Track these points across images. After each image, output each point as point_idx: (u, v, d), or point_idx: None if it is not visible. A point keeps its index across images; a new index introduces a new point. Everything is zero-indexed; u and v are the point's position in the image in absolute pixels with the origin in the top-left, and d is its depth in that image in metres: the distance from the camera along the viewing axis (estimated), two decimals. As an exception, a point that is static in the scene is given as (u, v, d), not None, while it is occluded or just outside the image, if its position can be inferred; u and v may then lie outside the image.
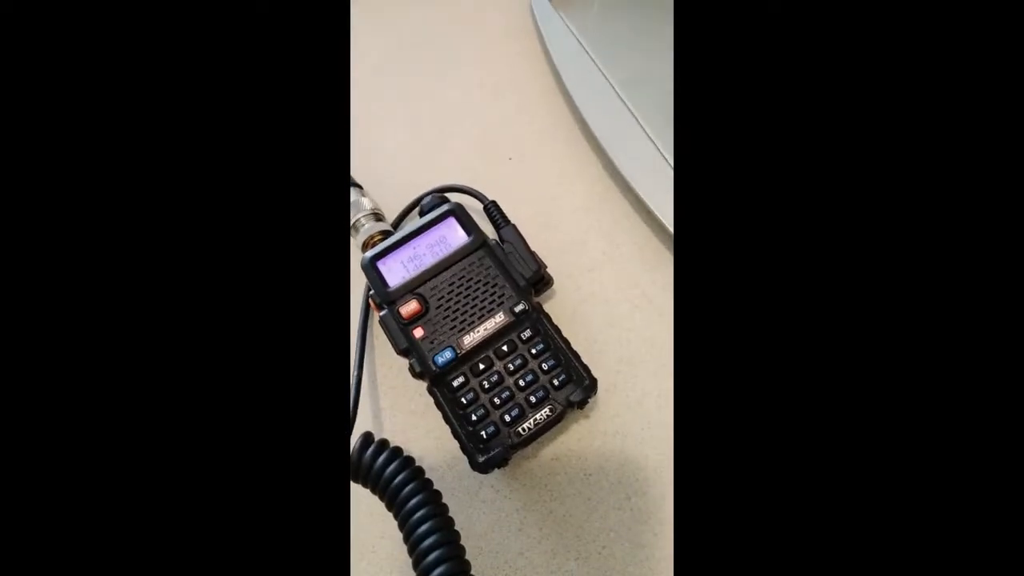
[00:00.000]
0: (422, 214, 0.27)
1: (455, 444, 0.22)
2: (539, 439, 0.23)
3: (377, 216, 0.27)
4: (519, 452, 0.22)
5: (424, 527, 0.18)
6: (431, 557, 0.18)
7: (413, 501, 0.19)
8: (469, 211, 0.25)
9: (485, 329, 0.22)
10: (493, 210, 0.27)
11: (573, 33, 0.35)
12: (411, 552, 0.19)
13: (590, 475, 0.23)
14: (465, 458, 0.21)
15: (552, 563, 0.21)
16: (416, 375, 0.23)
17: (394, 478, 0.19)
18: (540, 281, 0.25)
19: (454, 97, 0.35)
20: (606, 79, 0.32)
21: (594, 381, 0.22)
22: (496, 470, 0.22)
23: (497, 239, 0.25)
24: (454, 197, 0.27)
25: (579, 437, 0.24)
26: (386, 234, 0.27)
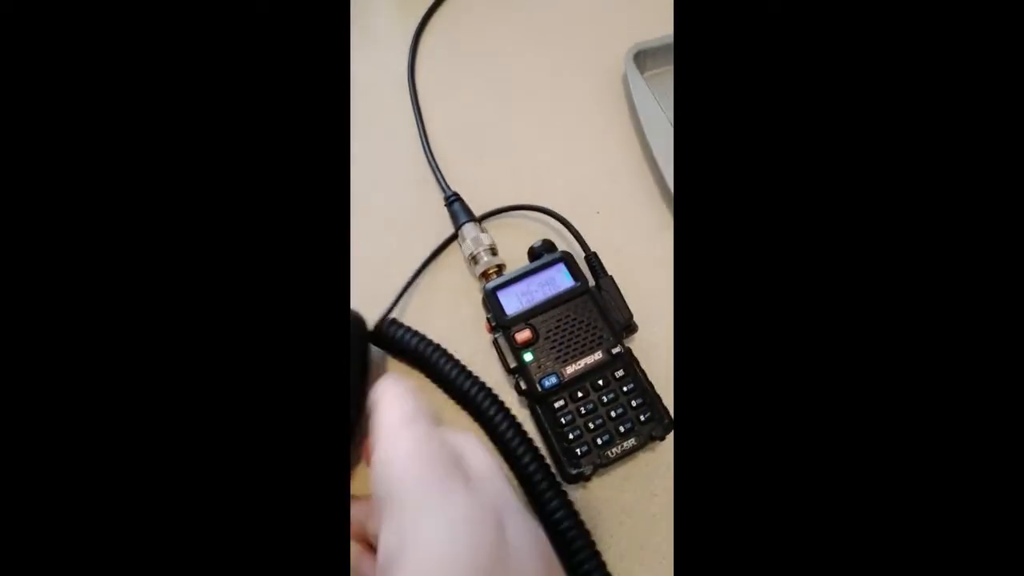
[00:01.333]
0: (532, 256, 0.31)
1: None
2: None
3: (493, 251, 0.32)
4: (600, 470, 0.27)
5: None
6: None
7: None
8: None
9: (585, 364, 0.27)
10: (594, 261, 0.31)
11: (660, 106, 0.40)
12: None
13: (656, 495, 0.27)
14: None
15: (620, 566, 0.26)
16: (520, 392, 0.27)
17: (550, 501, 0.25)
18: (627, 327, 0.29)
19: (552, 151, 0.40)
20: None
21: (672, 420, 0.26)
22: (577, 487, 0.26)
23: (595, 286, 0.30)
24: (553, 236, 0.32)
25: (647, 463, 0.28)
26: (500, 268, 0.32)
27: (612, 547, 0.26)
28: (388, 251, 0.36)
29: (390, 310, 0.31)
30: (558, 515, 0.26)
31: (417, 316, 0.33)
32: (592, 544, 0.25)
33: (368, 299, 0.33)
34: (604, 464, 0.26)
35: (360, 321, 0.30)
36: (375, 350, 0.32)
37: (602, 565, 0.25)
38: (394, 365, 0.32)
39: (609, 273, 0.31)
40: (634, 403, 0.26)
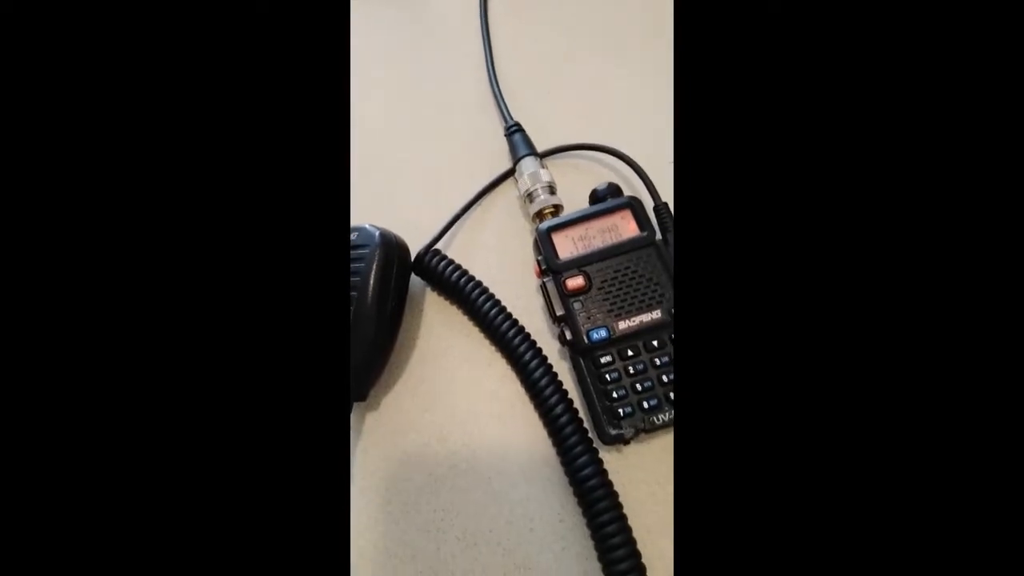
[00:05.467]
0: (594, 199, 0.28)
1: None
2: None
3: (551, 189, 0.30)
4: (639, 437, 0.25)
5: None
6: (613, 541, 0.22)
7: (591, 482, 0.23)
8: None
9: (641, 321, 0.24)
10: (664, 212, 0.28)
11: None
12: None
13: (693, 474, 0.25)
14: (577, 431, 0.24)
15: (647, 538, 0.24)
16: (564, 342, 0.25)
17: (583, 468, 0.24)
18: (690, 289, 0.26)
19: (628, 91, 0.36)
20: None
21: (729, 394, 0.24)
22: (612, 450, 0.24)
23: (663, 240, 0.27)
24: (620, 183, 0.29)
25: (689, 438, 0.26)
26: (557, 208, 0.29)
27: (641, 517, 0.25)
28: (441, 179, 0.34)
29: (435, 240, 0.30)
30: (586, 472, 0.24)
31: (462, 250, 0.31)
32: (619, 507, 0.23)
33: (415, 227, 0.31)
34: (647, 430, 0.23)
35: (404, 247, 0.29)
36: (415, 280, 0.30)
37: (627, 530, 0.23)
38: (432, 298, 0.30)
39: (678, 228, 0.28)
40: (690, 370, 0.24)
